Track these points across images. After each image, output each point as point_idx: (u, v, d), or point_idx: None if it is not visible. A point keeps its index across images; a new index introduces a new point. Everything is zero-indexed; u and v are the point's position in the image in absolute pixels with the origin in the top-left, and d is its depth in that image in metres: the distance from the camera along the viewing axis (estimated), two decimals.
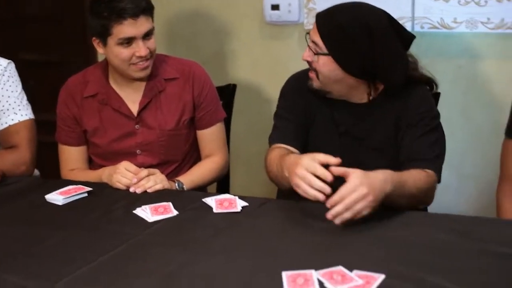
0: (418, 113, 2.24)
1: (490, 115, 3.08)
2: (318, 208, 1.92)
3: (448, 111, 2.96)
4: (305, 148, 2.33)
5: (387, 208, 2.07)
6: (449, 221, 1.98)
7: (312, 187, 1.90)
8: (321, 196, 1.89)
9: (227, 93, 2.93)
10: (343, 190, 1.87)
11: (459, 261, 1.71)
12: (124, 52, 2.42)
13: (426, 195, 2.18)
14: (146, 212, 2.08)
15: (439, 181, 2.25)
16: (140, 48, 2.41)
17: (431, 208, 2.38)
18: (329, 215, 1.88)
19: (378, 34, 2.16)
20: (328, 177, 1.89)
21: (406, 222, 1.97)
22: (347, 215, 1.87)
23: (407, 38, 2.27)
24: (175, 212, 2.09)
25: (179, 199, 2.19)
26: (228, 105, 2.89)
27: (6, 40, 3.96)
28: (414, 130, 2.24)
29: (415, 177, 2.11)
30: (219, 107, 2.69)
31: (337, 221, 1.88)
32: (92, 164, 2.68)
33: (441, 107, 2.59)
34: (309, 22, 3.19)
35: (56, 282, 1.65)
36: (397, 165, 2.19)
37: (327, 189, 1.89)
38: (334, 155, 2.00)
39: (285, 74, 3.18)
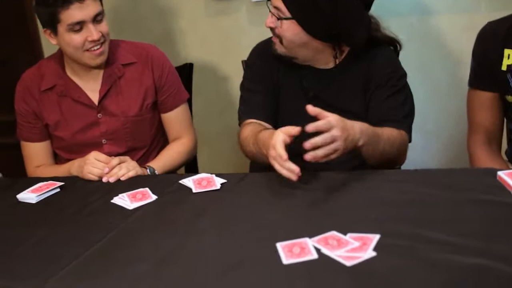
0: (385, 74, 2.25)
1: (447, 68, 3.11)
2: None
3: (405, 70, 2.96)
4: (276, 117, 2.32)
5: (365, 168, 2.09)
6: (430, 175, 2.00)
7: (283, 167, 1.89)
8: (293, 177, 1.87)
9: (185, 72, 2.88)
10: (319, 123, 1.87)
11: (448, 213, 1.72)
12: (76, 38, 2.34)
13: (399, 153, 2.20)
14: (124, 200, 2.04)
15: (410, 140, 2.27)
16: (92, 32, 2.34)
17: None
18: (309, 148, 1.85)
19: None
20: (283, 156, 1.86)
21: (388, 180, 1.98)
22: (320, 152, 1.85)
23: None
24: (154, 197, 2.05)
25: (155, 184, 2.15)
26: (187, 85, 2.84)
27: None
28: (382, 91, 2.25)
29: (388, 133, 2.14)
30: (181, 88, 2.64)
31: (308, 157, 1.85)
32: (57, 158, 2.61)
33: None
34: None
35: (47, 281, 1.60)
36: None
37: (295, 170, 1.86)
38: (305, 120, 1.99)
39: (236, 49, 3.16)
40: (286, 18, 2.19)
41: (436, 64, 3.12)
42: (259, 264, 1.57)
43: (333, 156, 1.90)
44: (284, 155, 1.86)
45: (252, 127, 2.24)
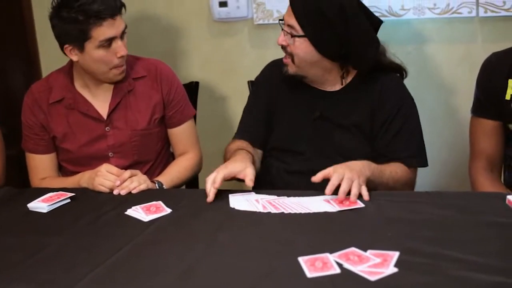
0: (395, 103, 2.32)
1: (442, 98, 3.17)
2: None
3: None
4: (280, 135, 2.40)
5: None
6: (442, 197, 2.05)
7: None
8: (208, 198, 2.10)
9: (190, 90, 2.92)
10: (333, 179, 2.00)
11: (465, 233, 1.77)
12: (105, 54, 2.37)
13: (404, 188, 2.27)
14: (139, 212, 2.06)
15: (425, 165, 2.37)
16: (120, 48, 2.38)
17: None
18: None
19: (352, 15, 2.23)
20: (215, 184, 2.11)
21: (398, 201, 2.02)
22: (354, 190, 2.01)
23: (375, 22, 2.34)
24: (168, 210, 2.07)
25: (166, 198, 2.17)
26: (192, 103, 2.88)
27: None
28: (393, 124, 2.32)
29: (392, 170, 2.23)
30: (188, 104, 2.68)
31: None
32: (62, 170, 2.62)
33: None
34: (258, 17, 3.22)
35: (71, 287, 1.60)
36: (370, 146, 2.33)
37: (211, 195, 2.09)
38: (310, 139, 2.27)
39: (237, 70, 3.21)
40: (299, 36, 2.25)
41: (431, 93, 3.18)
42: (284, 277, 1.59)
43: (356, 188, 2.01)
44: (216, 183, 2.10)
45: (237, 144, 2.38)
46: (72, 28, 2.33)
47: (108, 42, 2.36)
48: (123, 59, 2.43)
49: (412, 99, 2.38)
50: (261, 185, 2.28)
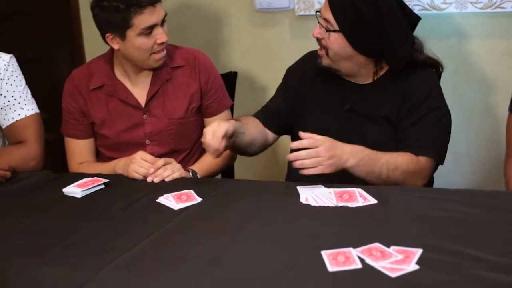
0: (422, 93, 2.31)
1: (481, 93, 3.15)
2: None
3: None
4: (310, 126, 2.39)
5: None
6: (471, 195, 2.04)
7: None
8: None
9: (228, 80, 2.95)
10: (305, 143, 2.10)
11: (491, 232, 1.76)
12: (146, 41, 2.43)
13: (407, 178, 2.24)
14: (170, 200, 2.11)
15: (441, 162, 2.34)
16: (161, 35, 2.44)
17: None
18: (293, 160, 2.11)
19: (387, 12, 2.23)
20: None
21: (425, 197, 2.02)
22: (307, 162, 2.09)
23: (413, 19, 2.34)
24: (199, 199, 2.11)
25: (198, 187, 2.21)
26: (230, 93, 2.91)
27: None
28: (415, 113, 2.30)
29: (391, 158, 2.21)
30: (225, 94, 2.71)
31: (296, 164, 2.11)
32: (99, 156, 2.68)
33: None
34: (300, 8, 3.23)
35: (99, 271, 1.66)
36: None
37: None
38: (339, 131, 2.26)
39: (277, 60, 3.22)
40: (334, 31, 2.27)
41: (471, 88, 3.16)
42: (305, 270, 1.62)
43: (318, 170, 2.09)
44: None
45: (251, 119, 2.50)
46: (114, 17, 2.39)
47: (149, 30, 2.42)
48: (163, 45, 2.48)
49: (441, 95, 2.36)
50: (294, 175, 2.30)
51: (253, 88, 3.46)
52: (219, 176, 2.86)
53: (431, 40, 3.06)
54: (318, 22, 2.33)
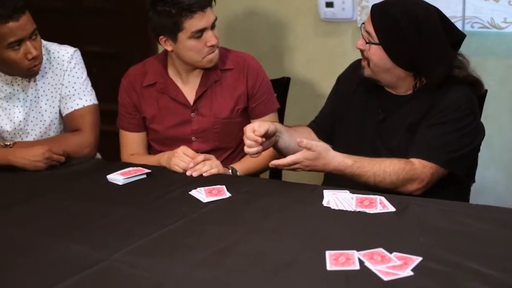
0: (443, 108, 2.32)
1: None
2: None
3: (496, 109, 3.03)
4: (348, 134, 2.51)
5: (427, 195, 2.22)
6: (492, 212, 2.05)
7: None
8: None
9: (281, 85, 3.05)
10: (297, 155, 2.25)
11: (497, 249, 1.78)
12: (197, 44, 2.56)
13: (400, 185, 2.27)
14: (201, 194, 2.22)
15: (456, 172, 2.33)
16: (211, 38, 2.57)
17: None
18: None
19: (427, 29, 2.28)
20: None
21: (442, 209, 2.05)
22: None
23: (457, 36, 2.37)
24: (228, 194, 2.22)
25: (233, 183, 2.32)
26: (282, 97, 3.01)
27: (70, 31, 4.08)
28: (431, 120, 2.33)
29: (384, 170, 2.26)
30: (272, 98, 2.80)
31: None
32: (151, 149, 2.82)
33: (489, 105, 2.67)
34: (363, 19, 3.26)
35: (116, 252, 1.81)
36: None
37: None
38: (371, 141, 2.38)
39: (338, 70, 3.27)
40: (374, 43, 2.33)
41: None
42: (305, 267, 1.71)
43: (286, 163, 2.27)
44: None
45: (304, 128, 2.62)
46: (166, 21, 2.54)
47: (199, 33, 2.55)
48: (213, 47, 2.60)
49: (472, 114, 2.34)
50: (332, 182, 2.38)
51: (314, 95, 3.53)
52: (266, 176, 2.96)
53: (490, 59, 3.10)
54: (362, 34, 2.40)
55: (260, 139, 2.26)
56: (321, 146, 2.25)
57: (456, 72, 2.35)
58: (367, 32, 2.36)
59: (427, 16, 2.31)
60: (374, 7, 2.38)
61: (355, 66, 2.61)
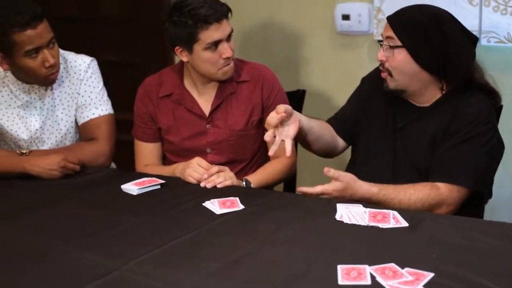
0: (465, 119, 2.32)
1: None
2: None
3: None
4: (366, 140, 2.53)
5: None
6: (506, 229, 2.04)
7: None
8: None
9: (296, 98, 3.06)
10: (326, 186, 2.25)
11: (509, 266, 1.77)
12: (212, 56, 2.57)
13: (427, 210, 2.26)
14: (214, 205, 2.23)
15: (483, 192, 2.35)
16: (226, 50, 2.58)
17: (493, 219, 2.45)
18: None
19: (447, 24, 2.30)
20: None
21: (457, 226, 2.04)
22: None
23: (472, 37, 2.39)
24: (241, 206, 2.22)
25: (246, 195, 2.32)
26: (297, 110, 2.99)
27: (87, 40, 4.15)
28: (453, 139, 2.32)
29: (409, 198, 2.26)
30: None
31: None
32: (166, 160, 2.83)
33: (505, 120, 2.65)
34: (379, 33, 3.28)
35: (129, 262, 1.82)
36: None
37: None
38: (388, 148, 2.38)
39: (354, 82, 3.27)
40: (397, 46, 2.33)
41: None
42: (316, 280, 1.71)
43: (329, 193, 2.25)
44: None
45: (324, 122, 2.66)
46: (182, 32, 2.55)
47: (214, 45, 2.56)
48: (228, 60, 2.61)
49: (489, 124, 2.33)
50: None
51: (329, 108, 3.52)
52: (280, 189, 2.97)
53: (507, 73, 3.09)
54: (381, 46, 2.40)
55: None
56: (349, 176, 2.24)
57: (476, 77, 2.35)
58: (388, 37, 2.36)
59: (444, 13, 2.34)
60: (391, 16, 2.40)
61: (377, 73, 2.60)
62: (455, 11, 2.77)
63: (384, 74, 2.42)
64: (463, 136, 2.30)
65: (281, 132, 2.31)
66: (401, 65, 2.34)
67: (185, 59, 2.63)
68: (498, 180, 2.50)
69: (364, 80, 2.70)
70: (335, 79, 3.52)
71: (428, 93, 2.40)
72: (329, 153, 2.66)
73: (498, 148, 2.37)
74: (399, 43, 2.33)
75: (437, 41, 2.29)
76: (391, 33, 2.35)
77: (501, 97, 2.44)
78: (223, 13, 2.56)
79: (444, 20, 2.31)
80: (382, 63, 2.42)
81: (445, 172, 2.29)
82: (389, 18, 2.39)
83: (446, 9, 2.40)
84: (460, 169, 2.28)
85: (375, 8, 3.28)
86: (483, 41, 3.04)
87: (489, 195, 2.41)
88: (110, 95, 2.90)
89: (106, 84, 2.89)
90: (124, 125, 2.95)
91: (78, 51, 2.86)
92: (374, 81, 2.58)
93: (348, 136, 2.63)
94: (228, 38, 2.60)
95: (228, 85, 2.71)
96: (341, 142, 2.64)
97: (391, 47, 2.35)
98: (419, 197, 2.25)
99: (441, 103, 2.39)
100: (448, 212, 2.27)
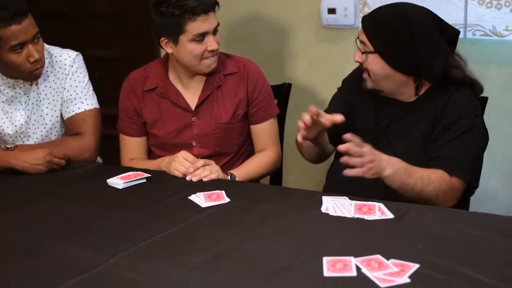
0: (455, 114, 2.33)
1: None
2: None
3: (498, 118, 3.02)
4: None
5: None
6: (491, 220, 2.04)
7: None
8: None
9: (282, 91, 3.05)
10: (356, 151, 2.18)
11: (494, 257, 1.78)
12: (197, 47, 2.57)
13: (439, 195, 2.27)
14: (200, 198, 2.23)
15: (475, 185, 2.37)
16: (212, 42, 2.58)
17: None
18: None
19: (418, 28, 2.29)
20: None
21: (447, 218, 2.05)
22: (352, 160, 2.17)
23: (451, 32, 2.38)
24: (227, 200, 2.22)
25: (231, 188, 2.32)
26: (283, 104, 3.01)
27: (74, 35, 4.14)
28: (447, 134, 2.33)
29: (424, 173, 2.26)
30: (272, 103, 2.81)
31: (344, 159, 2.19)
32: (151, 154, 2.83)
33: (491, 113, 2.67)
34: None
35: (114, 256, 1.82)
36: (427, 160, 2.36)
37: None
38: (376, 145, 2.28)
39: (340, 76, 3.28)
40: (370, 52, 2.34)
41: None
42: (301, 272, 1.71)
43: (359, 172, 2.16)
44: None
45: None
46: (169, 22, 2.55)
47: (201, 37, 2.56)
48: (213, 52, 2.61)
49: (477, 117, 2.36)
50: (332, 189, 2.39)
51: (315, 101, 3.52)
52: (267, 182, 2.97)
53: (492, 67, 3.10)
54: (357, 47, 2.41)
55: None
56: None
57: (454, 72, 2.36)
58: (362, 42, 2.38)
59: (417, 16, 2.32)
60: (365, 17, 2.41)
61: (359, 70, 2.61)
62: (441, 5, 2.79)
63: (365, 75, 2.44)
64: (458, 131, 2.32)
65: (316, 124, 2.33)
66: (376, 69, 2.36)
67: (170, 50, 2.62)
68: (485, 172, 2.51)
69: (345, 81, 2.70)
70: (321, 73, 3.52)
71: (407, 90, 2.42)
72: (321, 159, 2.67)
73: (484, 138, 2.40)
74: (371, 49, 2.34)
75: (407, 44, 2.29)
76: (364, 38, 2.37)
77: (482, 87, 2.45)
78: (211, 5, 2.56)
79: (415, 21, 2.29)
80: (361, 64, 2.44)
81: (452, 165, 2.30)
82: (363, 21, 2.40)
83: (431, 3, 2.40)
84: (464, 164, 2.30)
85: (361, 1, 3.27)
86: (468, 34, 3.04)
87: (477, 184, 2.42)
88: (97, 89, 2.89)
89: (93, 78, 2.89)
90: (110, 120, 2.94)
91: (65, 46, 2.85)
92: (355, 82, 2.57)
93: (339, 142, 2.59)
94: (215, 31, 2.59)
95: (216, 78, 2.70)
96: (329, 145, 2.62)
97: (364, 53, 2.37)
98: (437, 177, 2.26)
99: (425, 99, 2.40)
100: (453, 205, 2.29)
